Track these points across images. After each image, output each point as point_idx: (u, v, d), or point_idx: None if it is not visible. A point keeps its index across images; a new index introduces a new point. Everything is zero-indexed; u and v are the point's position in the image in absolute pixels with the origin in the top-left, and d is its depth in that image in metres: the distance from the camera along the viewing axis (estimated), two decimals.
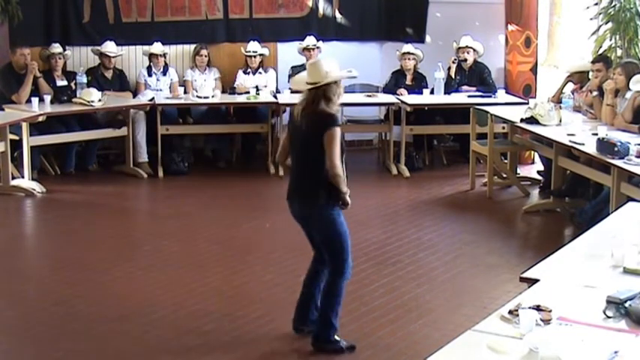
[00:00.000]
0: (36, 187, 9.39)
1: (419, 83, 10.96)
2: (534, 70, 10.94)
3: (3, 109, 9.77)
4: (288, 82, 11.01)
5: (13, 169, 9.48)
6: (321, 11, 11.66)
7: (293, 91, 10.82)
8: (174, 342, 5.54)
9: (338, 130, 5.26)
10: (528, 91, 10.86)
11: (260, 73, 11.01)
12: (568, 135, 7.94)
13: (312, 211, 5.38)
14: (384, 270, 6.93)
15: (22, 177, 9.51)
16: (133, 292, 6.44)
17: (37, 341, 5.56)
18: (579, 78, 9.55)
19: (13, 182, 9.35)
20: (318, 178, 5.28)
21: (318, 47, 11.03)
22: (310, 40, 11.03)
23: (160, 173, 10.27)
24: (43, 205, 9.11)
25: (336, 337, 5.39)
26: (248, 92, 10.59)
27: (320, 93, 5.28)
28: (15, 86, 9.99)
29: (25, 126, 9.37)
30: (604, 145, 7.19)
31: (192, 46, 11.11)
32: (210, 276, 6.57)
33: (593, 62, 9.14)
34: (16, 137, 9.43)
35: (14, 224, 8.68)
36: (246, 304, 6.12)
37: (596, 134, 7.57)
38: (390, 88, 10.98)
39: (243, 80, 10.91)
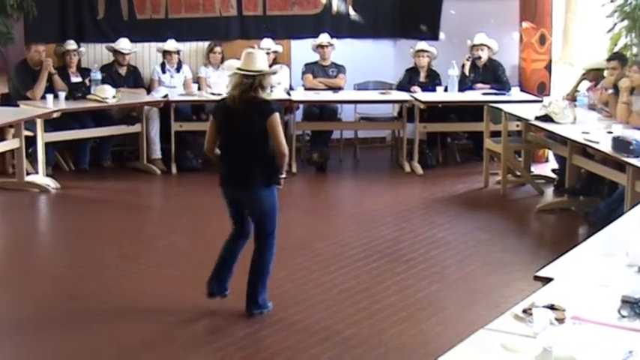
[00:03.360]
0: (50, 183, 9.43)
1: (433, 81, 10.95)
2: (549, 67, 10.91)
3: (18, 106, 9.81)
4: (302, 79, 11.02)
5: (27, 165, 9.52)
6: (334, 8, 11.65)
7: (307, 88, 10.85)
8: (187, 338, 5.55)
9: (278, 115, 5.69)
10: (543, 89, 10.84)
11: None
12: (583, 133, 7.90)
13: (252, 192, 5.76)
14: (397, 268, 6.92)
15: (37, 173, 9.54)
16: (145, 289, 6.45)
17: (51, 337, 5.57)
18: (594, 76, 9.50)
19: (28, 178, 9.39)
20: (259, 161, 5.72)
21: (331, 44, 11.03)
22: (324, 38, 11.03)
23: (174, 170, 10.30)
24: (57, 201, 9.14)
25: (263, 302, 5.90)
26: None
27: (257, 81, 5.64)
28: (30, 83, 10.02)
29: (39, 122, 9.41)
30: (619, 143, 7.16)
31: (206, 43, 11.12)
32: None
33: (608, 60, 9.10)
34: (30, 133, 9.47)
35: (28, 220, 8.71)
36: None
37: (611, 132, 7.55)
38: (403, 86, 10.97)
39: None
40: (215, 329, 5.68)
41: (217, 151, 5.90)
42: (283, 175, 5.80)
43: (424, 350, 5.27)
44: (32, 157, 9.65)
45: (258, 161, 5.71)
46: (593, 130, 7.99)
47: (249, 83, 5.62)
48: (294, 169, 10.19)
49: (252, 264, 5.88)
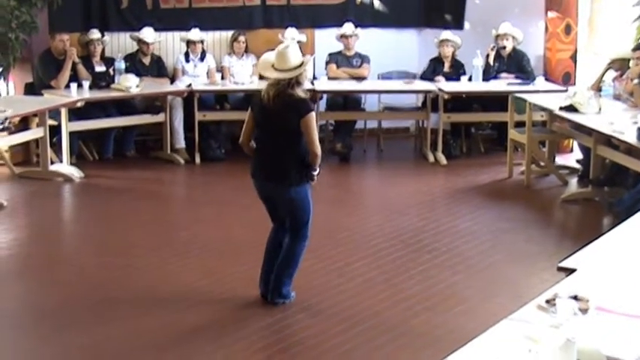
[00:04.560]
0: (74, 172, 9.47)
1: (457, 70, 10.91)
2: (574, 57, 10.84)
3: (42, 95, 9.86)
4: (325, 69, 11.01)
5: (51, 154, 9.57)
6: None
7: (330, 78, 10.84)
8: (209, 328, 5.56)
9: (314, 115, 5.64)
10: (568, 79, 10.78)
11: None
12: (608, 123, 7.85)
13: (284, 188, 5.69)
14: (420, 258, 6.91)
15: (61, 162, 9.61)
16: (168, 278, 6.47)
17: (75, 326, 5.60)
18: (620, 66, 9.43)
19: (52, 167, 9.45)
20: (291, 158, 5.67)
21: (356, 34, 11.00)
22: (348, 27, 11.00)
23: (197, 159, 10.33)
24: (81, 190, 9.18)
25: (287, 292, 5.89)
26: None
27: (294, 79, 5.60)
28: (54, 72, 10.07)
29: (63, 111, 9.45)
30: None
31: (230, 33, 11.13)
32: (246, 262, 6.58)
33: (634, 50, 9.02)
34: (54, 123, 9.52)
35: (53, 209, 8.74)
36: None
37: (637, 123, 7.49)
38: (427, 76, 10.95)
39: None
40: (237, 318, 5.68)
41: (252, 144, 5.88)
42: (316, 172, 5.73)
43: (447, 340, 5.25)
44: (56, 147, 9.72)
45: (290, 158, 5.67)
46: (618, 120, 7.93)
47: (286, 82, 5.58)
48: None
49: (282, 253, 5.87)
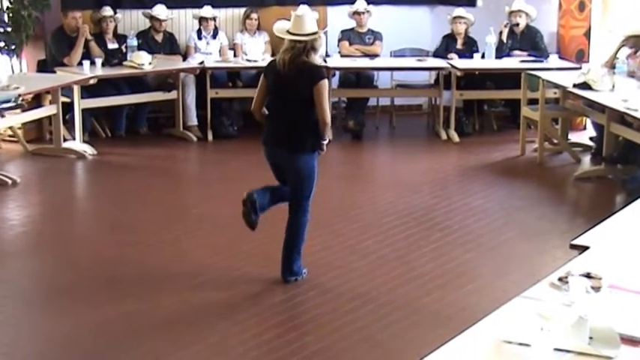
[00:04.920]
0: (87, 149, 9.49)
1: (470, 48, 10.86)
2: (588, 34, 10.78)
3: (55, 72, 9.86)
4: (338, 46, 10.97)
5: (64, 131, 9.59)
6: None
7: (343, 55, 10.80)
8: (222, 304, 5.58)
9: (327, 82, 5.64)
10: (581, 56, 10.71)
11: None
12: (621, 101, 7.81)
13: (293, 155, 5.71)
14: (432, 235, 6.91)
15: (74, 139, 9.62)
16: (181, 255, 6.49)
17: (89, 303, 5.62)
18: (634, 43, 9.36)
19: (65, 144, 9.47)
20: (304, 126, 5.68)
21: (368, 11, 10.95)
22: (360, 4, 10.96)
23: (210, 137, 10.33)
24: (94, 167, 9.21)
25: (298, 269, 5.89)
26: None
27: (309, 44, 5.59)
28: (66, 49, 10.07)
29: (76, 89, 9.46)
30: None
31: (242, 10, 11.09)
32: (258, 239, 6.58)
33: None
34: (67, 100, 9.52)
35: (65, 186, 8.77)
36: None
37: None
38: (440, 53, 10.90)
39: None
40: (250, 295, 5.70)
41: (265, 110, 5.87)
42: (325, 141, 5.74)
43: (459, 318, 5.25)
44: (69, 124, 9.73)
45: (303, 126, 5.68)
46: (632, 97, 7.89)
47: (301, 47, 5.59)
48: (330, 136, 10.17)
49: (287, 230, 5.88)
